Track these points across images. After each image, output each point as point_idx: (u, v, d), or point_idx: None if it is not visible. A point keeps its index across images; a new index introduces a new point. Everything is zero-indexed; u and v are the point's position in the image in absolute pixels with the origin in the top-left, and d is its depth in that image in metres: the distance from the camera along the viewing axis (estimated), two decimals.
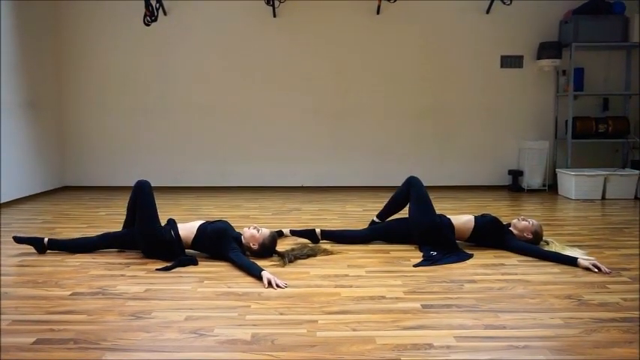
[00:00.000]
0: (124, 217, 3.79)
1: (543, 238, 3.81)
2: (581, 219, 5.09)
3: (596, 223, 4.85)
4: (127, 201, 3.69)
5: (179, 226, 3.63)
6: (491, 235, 3.83)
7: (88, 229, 4.52)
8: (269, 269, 3.19)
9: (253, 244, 3.56)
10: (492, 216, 3.94)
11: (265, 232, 3.63)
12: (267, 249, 3.61)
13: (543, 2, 6.84)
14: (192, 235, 3.58)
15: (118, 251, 3.76)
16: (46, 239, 3.76)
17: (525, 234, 3.77)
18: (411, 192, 4.00)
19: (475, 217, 3.92)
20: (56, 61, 6.92)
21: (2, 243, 4.03)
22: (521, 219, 3.86)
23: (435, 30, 6.94)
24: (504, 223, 3.90)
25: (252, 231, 3.59)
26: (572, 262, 3.39)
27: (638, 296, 2.82)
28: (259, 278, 3.09)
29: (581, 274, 3.23)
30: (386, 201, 4.24)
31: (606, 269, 3.26)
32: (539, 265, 3.41)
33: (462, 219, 3.91)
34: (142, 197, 3.59)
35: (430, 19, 6.92)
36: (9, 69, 5.87)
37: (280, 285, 3.01)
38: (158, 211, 3.62)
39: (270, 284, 3.00)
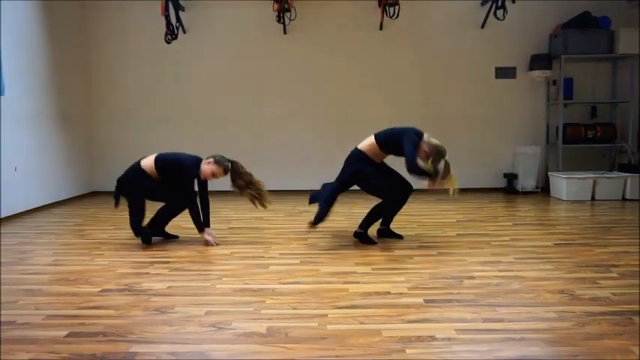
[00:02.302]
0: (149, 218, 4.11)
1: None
2: (572, 219, 5.05)
3: (586, 223, 4.81)
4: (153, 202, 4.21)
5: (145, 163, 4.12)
6: (393, 143, 3.89)
7: (115, 231, 4.56)
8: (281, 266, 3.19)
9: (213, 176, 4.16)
10: (397, 129, 3.96)
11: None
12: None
13: (534, 17, 6.82)
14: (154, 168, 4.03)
15: (144, 250, 3.79)
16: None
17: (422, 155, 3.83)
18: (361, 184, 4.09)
19: (375, 134, 3.99)
20: (86, 76, 6.98)
21: (35, 244, 4.07)
22: (426, 140, 3.88)
23: (434, 44, 6.93)
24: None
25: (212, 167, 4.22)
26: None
27: (626, 291, 2.79)
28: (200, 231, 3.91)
29: (574, 270, 3.21)
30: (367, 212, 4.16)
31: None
32: (534, 263, 3.39)
33: (366, 142, 4.02)
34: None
35: (429, 33, 6.92)
36: (43, 83, 5.94)
37: (211, 242, 3.85)
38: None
39: (207, 243, 3.82)
